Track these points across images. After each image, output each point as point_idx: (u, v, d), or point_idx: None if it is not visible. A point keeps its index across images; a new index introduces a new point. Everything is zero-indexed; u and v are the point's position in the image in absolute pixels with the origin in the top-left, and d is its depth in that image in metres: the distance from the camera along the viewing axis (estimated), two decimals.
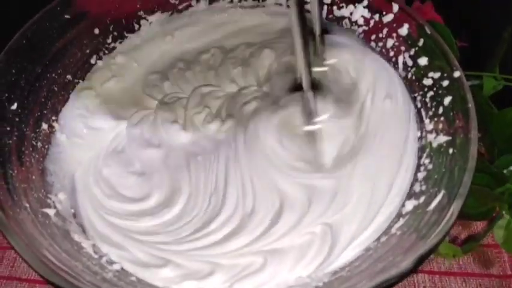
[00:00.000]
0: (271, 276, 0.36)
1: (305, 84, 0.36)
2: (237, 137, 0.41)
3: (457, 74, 0.39)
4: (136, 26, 0.51)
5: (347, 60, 0.44)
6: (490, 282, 0.43)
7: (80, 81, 0.47)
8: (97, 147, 0.44)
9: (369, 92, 0.43)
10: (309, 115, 0.39)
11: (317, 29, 0.41)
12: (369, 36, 0.48)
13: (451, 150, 0.37)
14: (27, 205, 0.36)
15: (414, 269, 0.30)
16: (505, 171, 0.46)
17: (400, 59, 0.45)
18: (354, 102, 0.42)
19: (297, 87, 0.38)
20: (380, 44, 0.47)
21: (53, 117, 0.44)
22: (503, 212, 0.42)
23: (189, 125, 0.43)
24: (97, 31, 0.48)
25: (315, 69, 0.39)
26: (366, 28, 0.48)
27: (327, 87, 0.40)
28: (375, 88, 0.43)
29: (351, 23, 0.49)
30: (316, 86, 0.39)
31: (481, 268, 0.44)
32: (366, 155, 0.40)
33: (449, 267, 0.44)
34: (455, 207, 0.32)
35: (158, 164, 0.42)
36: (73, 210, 0.40)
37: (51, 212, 0.37)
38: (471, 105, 0.37)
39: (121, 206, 0.40)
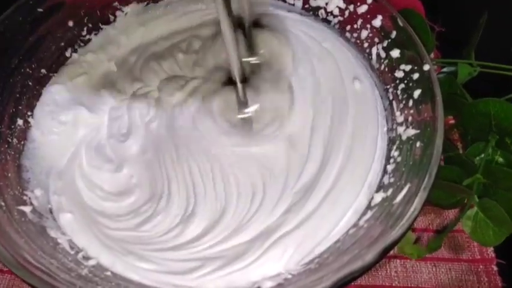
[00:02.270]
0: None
1: (236, 77, 0.37)
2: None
3: (426, 67, 0.39)
4: (112, 18, 0.50)
5: (277, 48, 0.45)
6: (460, 267, 0.45)
7: (55, 74, 0.47)
8: (71, 141, 0.44)
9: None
10: (241, 105, 0.41)
11: (247, 22, 0.43)
12: (345, 26, 0.48)
13: (418, 144, 0.37)
14: (3, 203, 0.36)
15: (377, 261, 0.31)
16: (476, 158, 0.47)
17: (374, 51, 0.45)
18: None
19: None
20: (355, 34, 0.47)
21: (29, 113, 0.44)
22: (472, 203, 0.43)
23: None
24: (71, 23, 0.47)
25: (249, 59, 0.43)
26: (341, 19, 0.48)
27: (258, 79, 0.42)
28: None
29: (327, 13, 0.49)
30: (246, 79, 0.40)
31: (451, 253, 0.45)
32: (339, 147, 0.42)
33: None
34: (419, 200, 0.33)
35: (135, 158, 0.43)
36: (49, 206, 0.40)
37: (27, 209, 0.37)
38: (439, 98, 0.37)
39: (98, 200, 0.41)
